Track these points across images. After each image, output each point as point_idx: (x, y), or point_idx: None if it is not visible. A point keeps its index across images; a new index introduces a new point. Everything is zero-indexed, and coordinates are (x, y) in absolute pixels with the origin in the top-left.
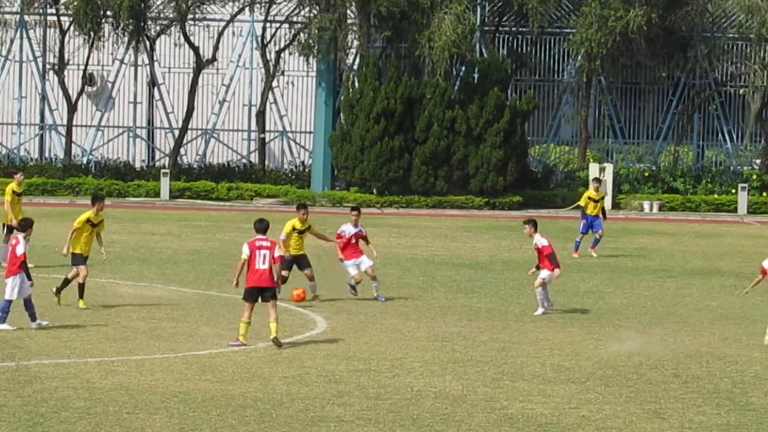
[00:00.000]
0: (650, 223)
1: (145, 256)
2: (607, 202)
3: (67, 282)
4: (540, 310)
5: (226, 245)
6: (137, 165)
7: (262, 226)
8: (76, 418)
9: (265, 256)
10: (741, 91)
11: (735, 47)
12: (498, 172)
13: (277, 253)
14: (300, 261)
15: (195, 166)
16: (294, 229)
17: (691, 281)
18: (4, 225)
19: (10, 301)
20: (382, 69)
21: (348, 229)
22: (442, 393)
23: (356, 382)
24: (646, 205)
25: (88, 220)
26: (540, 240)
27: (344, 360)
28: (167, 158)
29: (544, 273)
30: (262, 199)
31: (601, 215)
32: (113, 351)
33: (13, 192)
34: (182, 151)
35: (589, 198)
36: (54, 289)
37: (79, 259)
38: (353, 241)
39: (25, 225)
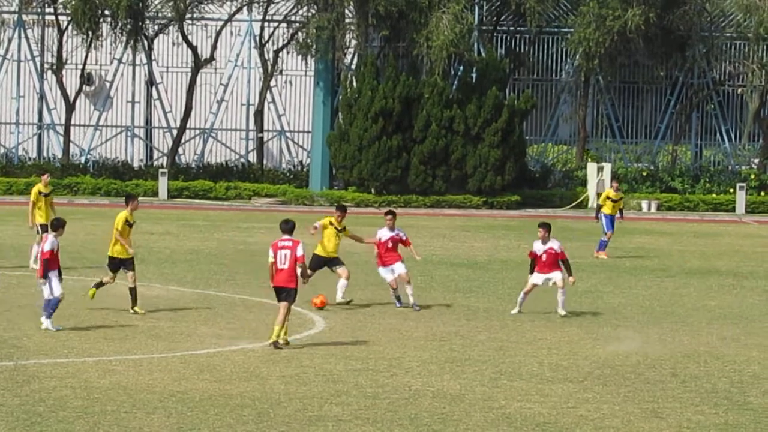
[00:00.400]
0: (648, 223)
1: (143, 256)
2: None
3: (133, 291)
4: (563, 311)
5: (224, 245)
6: (135, 164)
7: (287, 227)
8: (74, 417)
9: (285, 255)
10: (739, 90)
11: (733, 47)
12: (496, 171)
13: (299, 252)
14: (334, 262)
15: (193, 165)
16: (331, 223)
17: (689, 281)
18: (35, 226)
19: (58, 300)
20: (380, 68)
21: (383, 234)
22: (440, 392)
23: (354, 381)
24: (644, 204)
25: (126, 221)
26: (557, 245)
27: (342, 359)
28: (165, 158)
29: (558, 275)
30: (260, 198)
31: (618, 215)
32: (111, 350)
33: (40, 192)
34: (180, 150)
35: (608, 198)
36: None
37: (114, 263)
38: (390, 245)
39: (57, 224)
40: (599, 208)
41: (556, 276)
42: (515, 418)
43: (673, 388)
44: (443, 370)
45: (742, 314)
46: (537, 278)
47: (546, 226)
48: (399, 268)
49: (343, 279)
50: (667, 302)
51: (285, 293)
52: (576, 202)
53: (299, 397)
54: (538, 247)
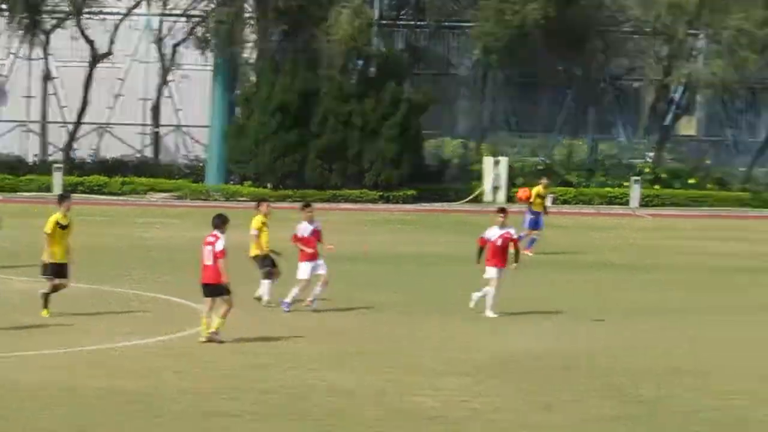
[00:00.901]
0: (544, 216)
1: (37, 252)
2: (501, 196)
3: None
4: (491, 313)
5: (120, 240)
6: (30, 159)
7: (214, 221)
8: None
9: (210, 251)
10: (635, 84)
11: (630, 42)
12: (393, 166)
13: (218, 247)
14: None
15: (88, 160)
16: (264, 223)
17: (584, 274)
18: None
19: None
20: (279, 63)
21: (303, 229)
22: (333, 387)
23: (248, 376)
24: None
25: (57, 223)
26: (513, 230)
27: (236, 354)
28: (61, 153)
29: (500, 273)
30: (155, 193)
31: (543, 211)
32: (1, 346)
33: None
34: (75, 145)
35: (537, 195)
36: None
37: (47, 269)
38: (307, 236)
39: None
40: (530, 206)
41: (501, 272)
42: (408, 412)
43: (566, 381)
44: (337, 365)
45: (634, 308)
46: (491, 272)
47: (505, 211)
48: (321, 268)
49: (266, 279)
50: (560, 296)
51: (212, 289)
52: (472, 196)
53: (192, 392)
54: (494, 233)
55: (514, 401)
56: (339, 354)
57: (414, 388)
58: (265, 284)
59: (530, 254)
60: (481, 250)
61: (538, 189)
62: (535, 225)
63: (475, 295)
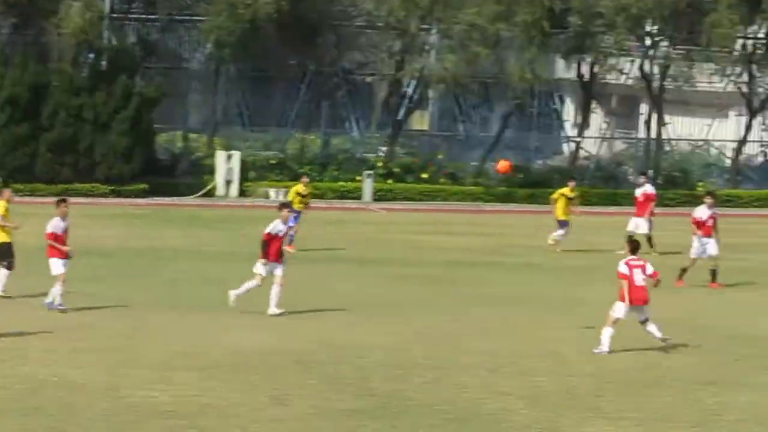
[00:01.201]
0: (275, 211)
1: None
2: (234, 190)
3: None
4: (278, 310)
5: None
6: None
7: None
8: None
9: None
10: (368, 79)
11: (363, 36)
12: (124, 160)
13: None
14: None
15: None
16: (7, 209)
17: (316, 268)
18: None
19: None
20: (8, 56)
21: (57, 225)
22: (64, 382)
23: None
24: (272, 192)
25: None
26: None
27: None
28: None
29: (281, 267)
30: None
31: (304, 209)
32: None
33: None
34: None
35: (297, 193)
36: None
37: None
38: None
39: None
40: (290, 203)
41: (280, 269)
42: (139, 406)
43: (298, 375)
44: (69, 360)
45: (366, 301)
46: (264, 269)
47: (289, 206)
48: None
49: (5, 270)
50: (294, 289)
51: None
52: (204, 191)
53: None
54: (279, 228)
55: (247, 396)
56: (70, 349)
57: (146, 382)
58: (2, 274)
59: (293, 251)
60: (265, 244)
61: (297, 187)
62: (294, 220)
63: (234, 293)
